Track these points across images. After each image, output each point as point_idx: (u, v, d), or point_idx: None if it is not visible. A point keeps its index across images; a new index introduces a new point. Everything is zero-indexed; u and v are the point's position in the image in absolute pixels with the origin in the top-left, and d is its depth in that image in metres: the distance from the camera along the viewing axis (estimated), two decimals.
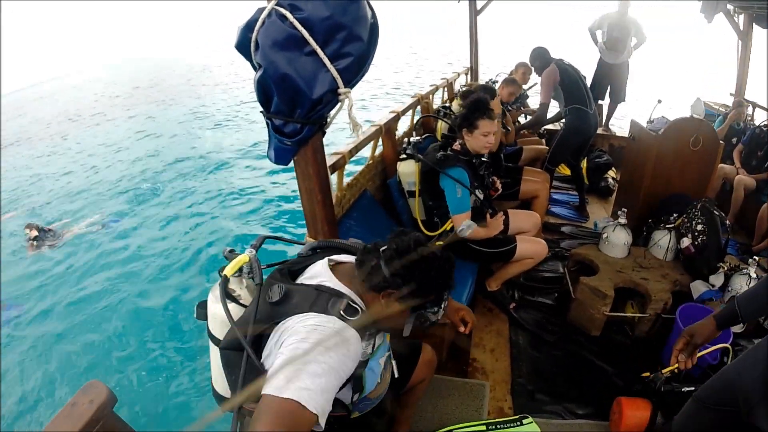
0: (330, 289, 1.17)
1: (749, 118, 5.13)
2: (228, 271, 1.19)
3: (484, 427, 2.19)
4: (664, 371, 2.10)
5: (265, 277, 1.21)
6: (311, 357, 0.98)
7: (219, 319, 1.23)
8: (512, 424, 2.21)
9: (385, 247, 1.22)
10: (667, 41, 20.27)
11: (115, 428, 0.93)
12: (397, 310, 1.21)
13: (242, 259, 1.21)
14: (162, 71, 23.48)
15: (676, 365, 2.10)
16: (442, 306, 1.29)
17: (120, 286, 5.43)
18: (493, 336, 2.87)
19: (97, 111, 15.99)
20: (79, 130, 13.58)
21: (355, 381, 1.22)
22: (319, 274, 1.23)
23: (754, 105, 5.18)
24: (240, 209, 7.44)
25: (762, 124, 4.46)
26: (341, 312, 1.11)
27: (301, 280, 1.24)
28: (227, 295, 1.19)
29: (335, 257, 1.33)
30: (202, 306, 1.29)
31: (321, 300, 1.12)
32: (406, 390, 1.80)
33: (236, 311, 1.19)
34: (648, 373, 2.15)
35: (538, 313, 3.05)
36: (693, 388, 1.96)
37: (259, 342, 1.15)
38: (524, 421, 2.22)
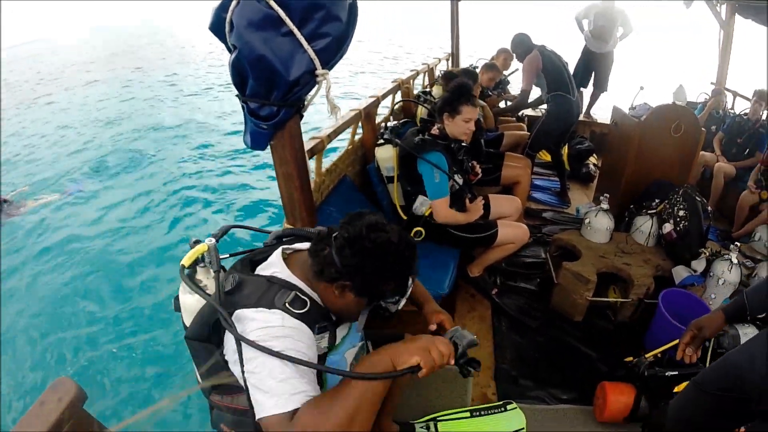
0: (280, 281, 1.14)
1: (729, 107, 5.19)
2: (185, 261, 1.17)
3: (468, 414, 2.19)
4: (647, 356, 2.12)
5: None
6: (268, 373, 1.00)
7: (188, 310, 1.21)
8: (496, 410, 2.21)
9: (337, 233, 1.15)
10: (661, 41, 20.14)
11: (85, 426, 0.91)
12: (353, 302, 1.16)
13: (200, 248, 1.18)
14: (141, 39, 22.88)
15: (659, 351, 2.13)
16: (406, 294, 1.21)
17: (85, 259, 5.18)
18: (475, 322, 2.86)
19: (71, 75, 15.44)
20: (53, 94, 13.04)
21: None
22: (272, 264, 1.20)
23: (735, 94, 5.23)
24: (219, 182, 7.19)
25: (742, 113, 4.52)
26: (286, 304, 1.08)
27: (258, 270, 1.21)
28: (194, 285, 1.17)
29: (295, 246, 1.29)
30: (177, 298, 1.27)
31: (270, 292, 1.10)
32: None
33: (202, 301, 1.17)
34: (631, 358, 2.16)
35: (521, 298, 3.05)
36: (676, 373, 1.98)
37: (218, 332, 1.16)
38: (508, 407, 2.23)
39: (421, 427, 2.09)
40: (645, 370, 2.11)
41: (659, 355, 2.13)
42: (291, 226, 1.79)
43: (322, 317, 1.17)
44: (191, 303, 1.18)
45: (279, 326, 1.04)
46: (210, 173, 7.56)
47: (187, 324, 1.24)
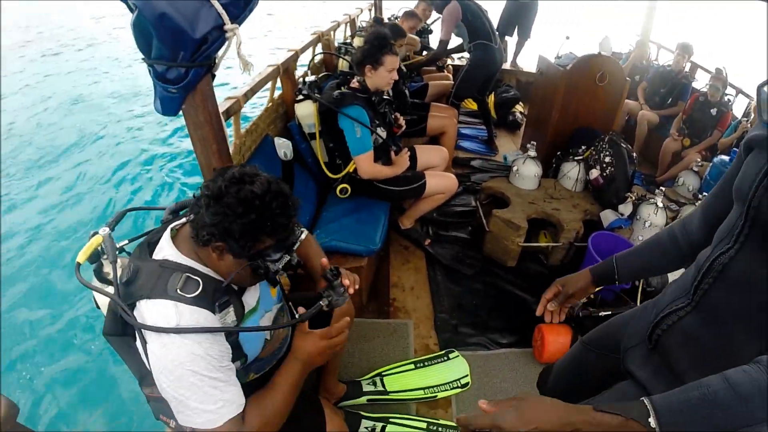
0: (172, 264, 1.05)
1: (653, 58, 5.41)
2: (80, 257, 1.07)
3: (412, 366, 2.18)
4: None
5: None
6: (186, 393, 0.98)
7: (104, 305, 1.13)
8: (439, 360, 2.22)
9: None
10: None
11: None
12: (234, 264, 1.07)
13: (94, 241, 1.09)
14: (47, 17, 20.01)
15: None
16: (292, 250, 1.14)
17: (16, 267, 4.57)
18: (411, 274, 2.84)
19: None
20: None
21: (233, 351, 1.10)
22: (163, 247, 1.10)
23: (659, 46, 5.46)
24: (152, 152, 6.68)
25: (666, 64, 4.72)
26: (178, 291, 1.00)
27: (154, 253, 1.11)
28: (103, 279, 1.10)
29: (184, 220, 1.18)
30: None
31: (162, 279, 1.01)
32: None
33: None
34: None
35: (454, 247, 3.06)
36: (609, 312, 2.06)
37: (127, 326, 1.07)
38: (450, 356, 2.24)
39: (368, 384, 2.07)
40: (579, 311, 2.19)
41: (591, 296, 2.21)
42: None
43: (220, 292, 1.08)
44: (104, 298, 1.10)
45: (177, 345, 0.97)
46: (144, 144, 6.97)
47: None
